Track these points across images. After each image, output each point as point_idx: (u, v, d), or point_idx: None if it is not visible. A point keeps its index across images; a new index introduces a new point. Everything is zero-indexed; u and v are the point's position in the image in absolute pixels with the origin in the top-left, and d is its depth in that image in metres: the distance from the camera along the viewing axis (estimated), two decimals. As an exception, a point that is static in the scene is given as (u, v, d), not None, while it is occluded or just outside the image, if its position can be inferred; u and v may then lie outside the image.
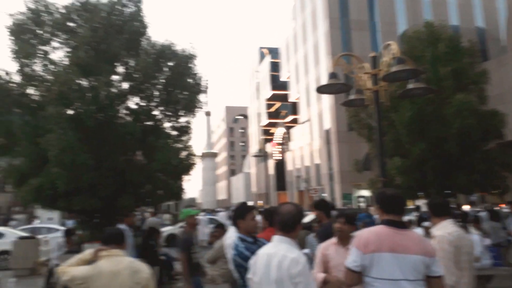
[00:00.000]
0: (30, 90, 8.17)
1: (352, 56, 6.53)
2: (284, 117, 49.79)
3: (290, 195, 44.28)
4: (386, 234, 2.52)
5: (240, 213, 3.31)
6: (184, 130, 9.90)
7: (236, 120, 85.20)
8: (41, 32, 8.08)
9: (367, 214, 11.46)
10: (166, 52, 8.92)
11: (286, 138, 45.77)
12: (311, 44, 38.48)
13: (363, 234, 2.59)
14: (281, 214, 2.60)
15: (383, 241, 2.48)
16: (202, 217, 22.15)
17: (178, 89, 9.15)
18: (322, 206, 4.51)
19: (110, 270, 2.72)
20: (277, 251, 2.48)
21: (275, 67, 51.71)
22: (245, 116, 76.45)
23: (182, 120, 9.83)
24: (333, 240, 3.41)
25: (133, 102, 9.11)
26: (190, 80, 9.32)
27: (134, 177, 8.16)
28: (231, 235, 4.60)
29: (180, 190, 9.80)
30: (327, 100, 33.47)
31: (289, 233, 2.55)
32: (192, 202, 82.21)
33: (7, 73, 7.93)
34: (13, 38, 7.89)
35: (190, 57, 9.30)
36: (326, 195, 33.60)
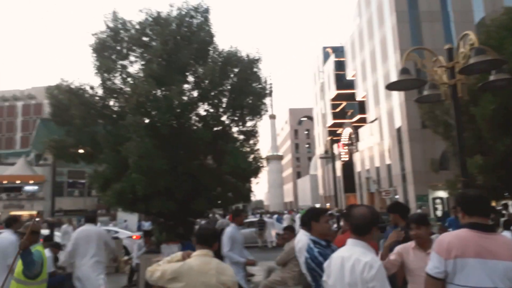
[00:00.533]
0: (111, 102, 8.88)
1: (424, 49, 6.18)
2: (350, 117, 48.48)
3: (360, 197, 42.92)
4: (470, 238, 2.34)
5: (314, 215, 3.30)
6: (251, 134, 10.06)
7: (301, 122, 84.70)
8: (120, 48, 8.76)
9: (456, 216, 10.66)
10: (232, 59, 9.16)
11: (354, 138, 44.48)
12: (378, 40, 37.08)
13: (444, 239, 2.44)
14: (354, 217, 2.55)
15: (468, 246, 2.32)
16: (268, 219, 22.38)
17: (244, 94, 9.33)
18: (397, 209, 4.33)
19: (199, 268, 2.83)
20: (351, 255, 2.43)
21: (340, 66, 50.61)
22: (310, 118, 75.70)
23: (249, 124, 10.01)
24: (412, 243, 3.26)
25: (202, 109, 9.48)
26: (255, 85, 9.47)
27: (206, 181, 8.47)
28: (302, 238, 4.59)
29: (249, 192, 9.97)
30: (397, 97, 31.95)
31: (363, 236, 2.48)
32: (259, 205, 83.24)
33: (91, 88, 8.71)
34: (95, 55, 8.64)
35: (254, 62, 9.46)
36: (399, 197, 32.04)
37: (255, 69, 9.46)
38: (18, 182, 40.78)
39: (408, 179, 31.36)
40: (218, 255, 5.38)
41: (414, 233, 3.20)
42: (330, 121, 53.85)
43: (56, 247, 7.78)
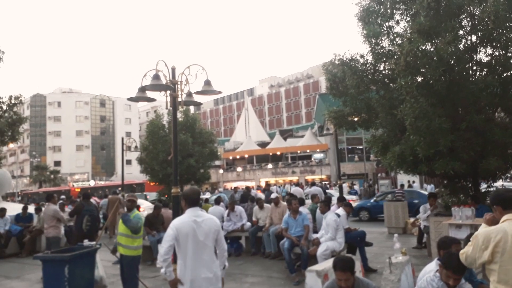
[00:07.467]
0: (381, 67, 8.94)
1: None
2: None
3: None
4: None
5: None
6: None
7: None
8: (383, 10, 8.64)
9: None
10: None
11: None
12: None
13: None
14: None
15: None
16: None
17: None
18: None
19: None
20: None
21: None
22: None
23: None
24: None
25: (484, 54, 8.16)
26: None
27: (498, 137, 7.32)
28: None
29: None
30: None
31: None
32: None
33: (361, 56, 9.03)
34: (361, 23, 8.86)
35: None
36: None
37: None
38: (308, 151, 48.11)
39: None
40: None
41: None
42: None
43: (349, 206, 8.66)
